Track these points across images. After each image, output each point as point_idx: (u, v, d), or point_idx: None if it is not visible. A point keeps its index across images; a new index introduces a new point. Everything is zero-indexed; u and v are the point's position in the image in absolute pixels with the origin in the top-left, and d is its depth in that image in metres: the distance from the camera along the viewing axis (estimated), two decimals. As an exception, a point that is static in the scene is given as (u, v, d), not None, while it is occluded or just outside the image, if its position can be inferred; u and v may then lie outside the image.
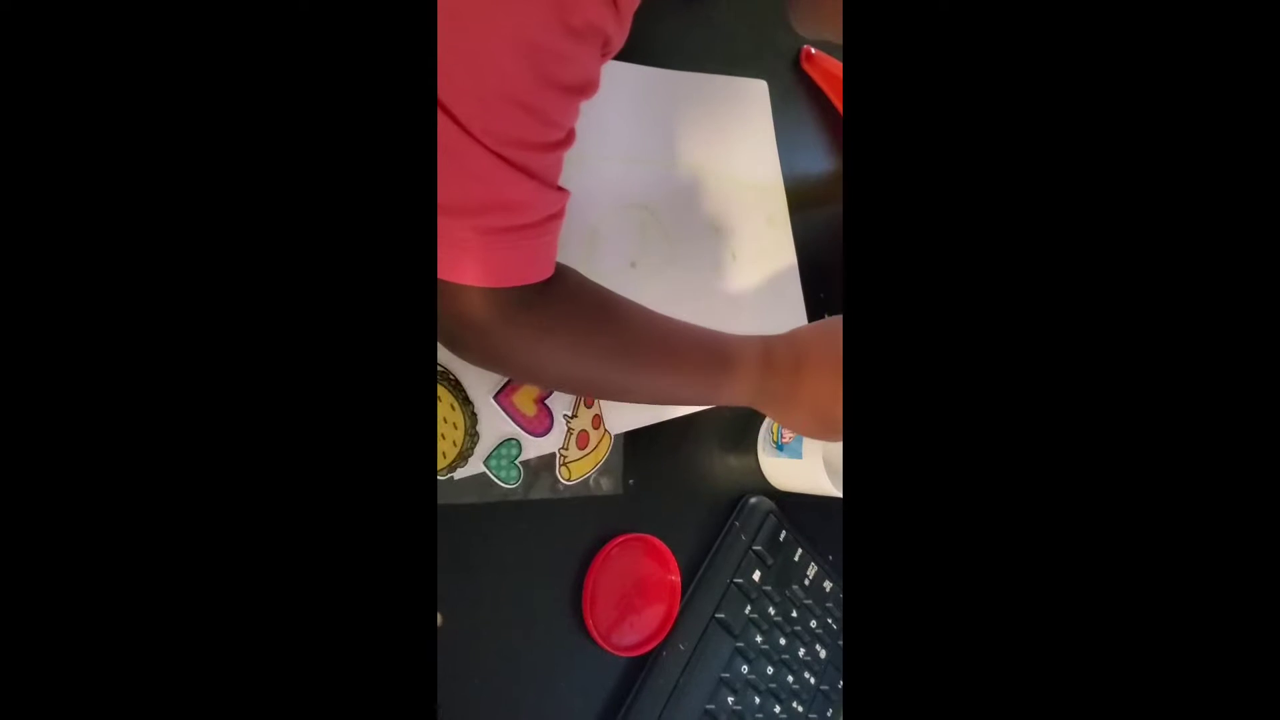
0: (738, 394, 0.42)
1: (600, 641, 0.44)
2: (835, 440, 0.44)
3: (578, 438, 0.45)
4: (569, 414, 0.45)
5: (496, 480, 0.42)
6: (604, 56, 0.35)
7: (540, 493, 0.44)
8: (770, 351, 0.42)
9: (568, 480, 0.45)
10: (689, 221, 0.54)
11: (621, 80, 0.51)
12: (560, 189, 0.35)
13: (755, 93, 0.60)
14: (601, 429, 0.46)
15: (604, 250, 0.48)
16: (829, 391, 0.40)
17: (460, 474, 0.41)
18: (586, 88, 0.34)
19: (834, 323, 0.44)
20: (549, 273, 0.36)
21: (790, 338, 0.43)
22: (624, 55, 0.51)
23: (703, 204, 0.55)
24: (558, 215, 0.35)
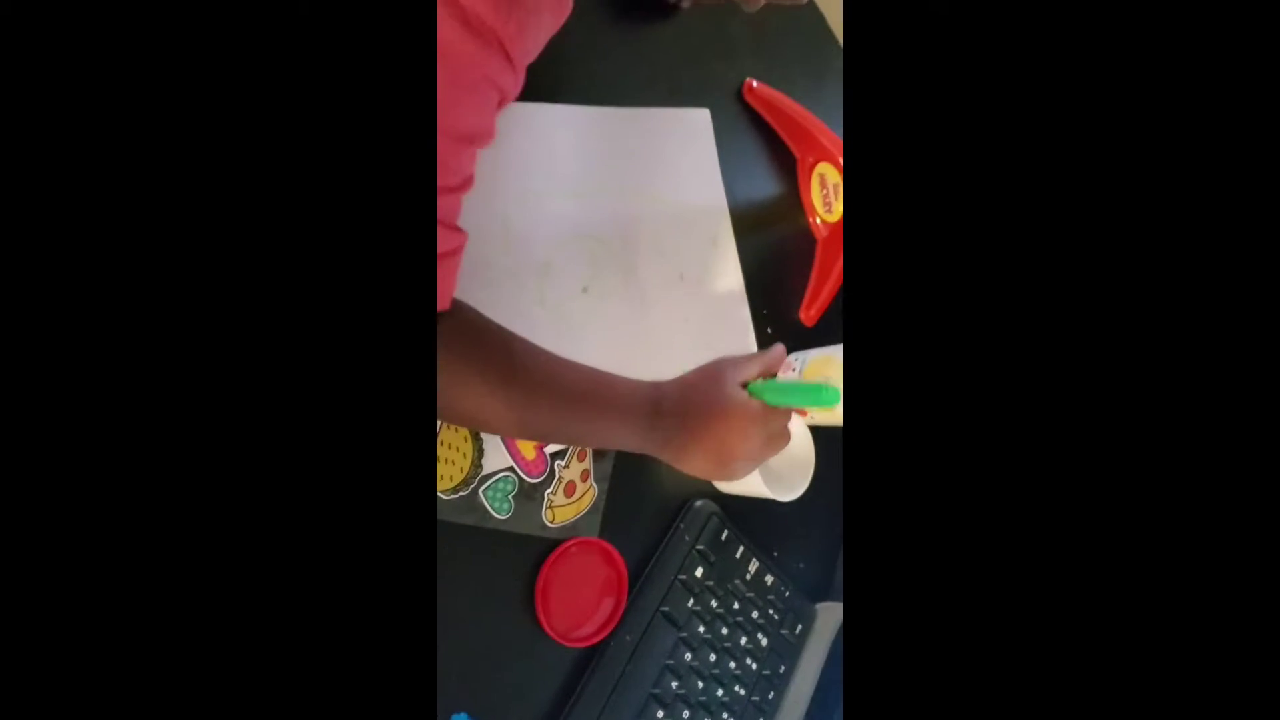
0: (627, 438, 0.44)
1: (552, 634, 0.48)
2: (723, 480, 0.46)
3: (565, 486, 0.50)
4: (562, 463, 0.50)
5: (490, 509, 0.47)
6: (500, 105, 0.38)
7: (523, 528, 0.48)
8: (660, 398, 0.44)
9: (551, 522, 0.49)
10: (638, 246, 0.58)
11: (568, 121, 0.55)
12: (457, 229, 0.38)
13: (698, 121, 0.64)
14: (589, 482, 0.51)
15: (556, 279, 0.53)
16: (719, 430, 0.43)
17: (459, 496, 0.46)
18: (480, 137, 0.37)
19: (718, 367, 0.46)
20: (442, 307, 0.38)
21: (679, 384, 0.45)
22: (571, 96, 0.56)
23: (651, 229, 0.59)
24: (451, 253, 0.37)
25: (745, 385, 0.46)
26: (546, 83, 0.54)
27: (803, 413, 0.62)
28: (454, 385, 0.39)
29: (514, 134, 0.51)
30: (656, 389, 0.45)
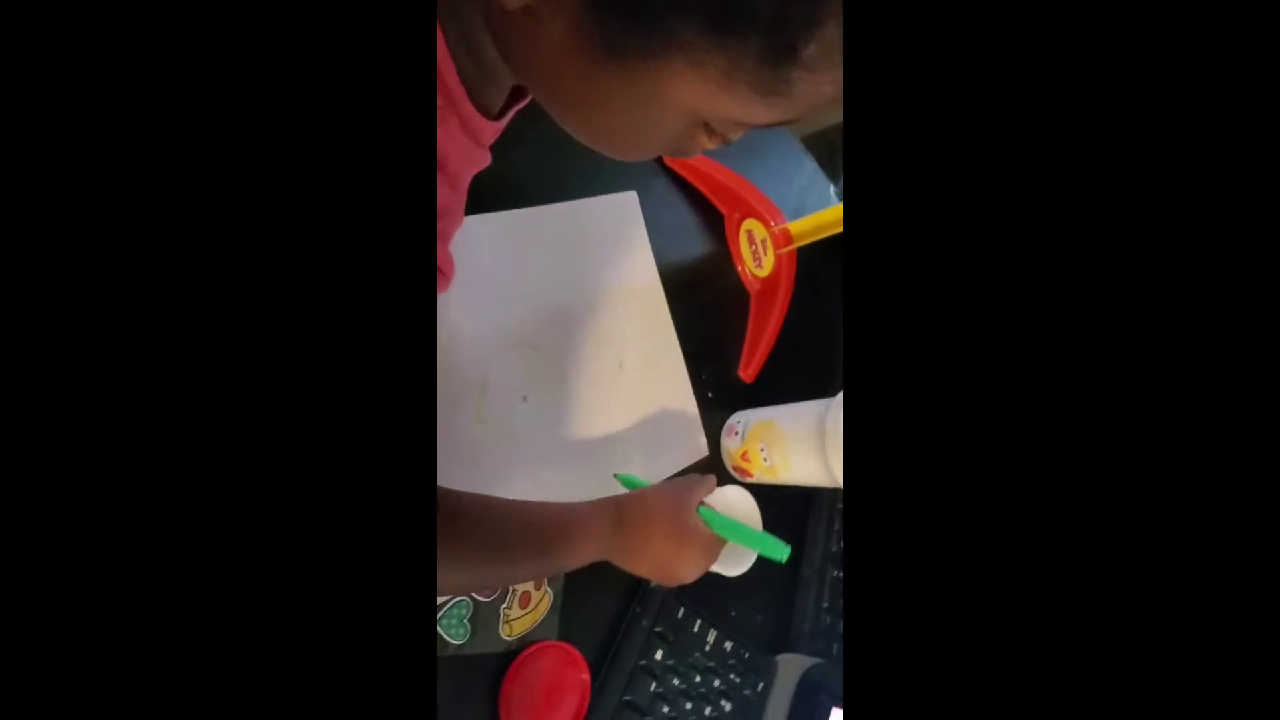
0: (593, 553, 0.47)
1: (519, 746, 0.49)
2: (672, 585, 0.51)
3: (520, 598, 0.50)
4: None
5: (446, 638, 0.47)
6: (442, 227, 0.38)
7: (482, 648, 0.49)
8: (623, 513, 0.48)
9: (508, 636, 0.50)
10: (574, 344, 0.58)
11: (493, 228, 0.55)
12: None
13: (626, 204, 0.64)
14: (543, 588, 0.52)
15: (495, 394, 0.52)
16: (671, 549, 0.48)
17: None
18: None
19: (679, 486, 0.51)
20: None
21: (640, 498, 0.49)
22: (494, 203, 0.55)
23: (586, 324, 0.59)
24: None
25: (699, 508, 0.51)
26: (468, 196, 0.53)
27: (747, 473, 0.64)
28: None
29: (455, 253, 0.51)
30: (617, 505, 0.48)
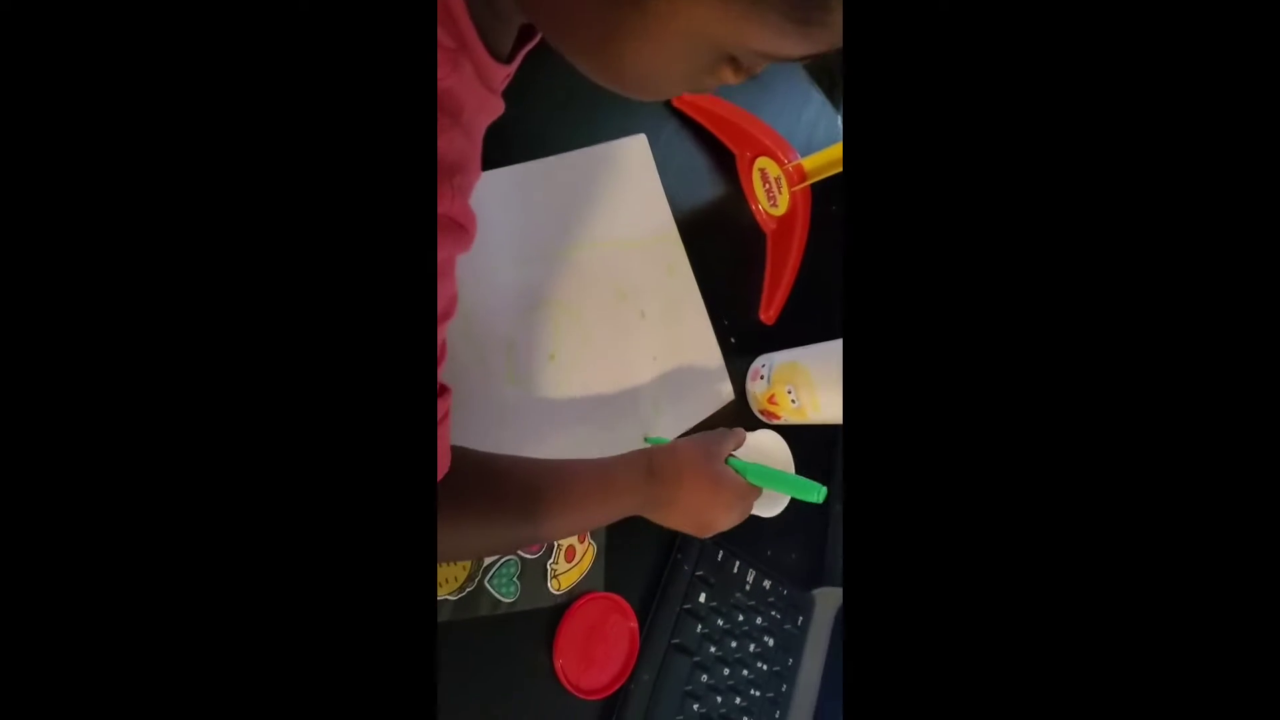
0: (627, 506, 0.47)
1: (578, 693, 0.51)
2: (708, 535, 0.51)
3: (565, 552, 0.51)
4: None
5: (498, 596, 0.48)
6: (460, 180, 0.37)
7: (534, 603, 0.50)
8: (654, 464, 0.48)
9: (557, 591, 0.51)
10: (595, 297, 0.57)
11: (501, 184, 0.53)
12: (444, 389, 0.37)
13: (636, 149, 0.62)
14: (587, 542, 0.52)
15: (522, 354, 0.52)
16: (705, 499, 0.47)
17: (466, 594, 0.47)
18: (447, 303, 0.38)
19: (708, 438, 0.50)
20: (442, 473, 0.38)
21: (671, 450, 0.49)
22: (504, 158, 0.53)
23: (605, 275, 0.58)
24: (443, 419, 0.37)
25: (727, 459, 0.50)
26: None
27: (775, 416, 0.64)
28: (471, 530, 0.41)
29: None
30: (648, 457, 0.48)
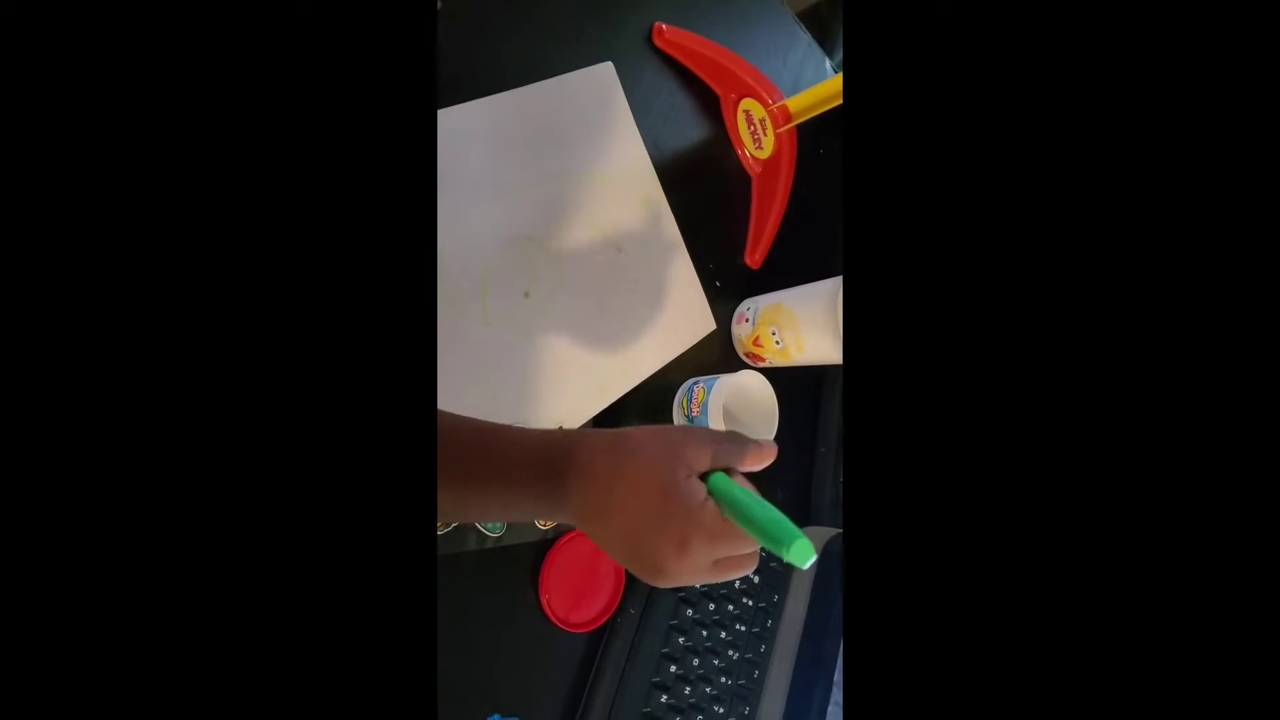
0: (531, 508, 0.35)
1: (563, 626, 0.52)
2: (653, 581, 0.34)
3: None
4: None
5: (485, 531, 0.49)
6: None
7: (519, 538, 0.51)
8: (573, 452, 0.34)
9: (544, 526, 0.51)
10: (570, 231, 0.57)
11: (473, 117, 0.53)
12: None
13: (603, 77, 0.61)
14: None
15: (496, 293, 0.52)
16: (647, 518, 0.32)
17: (452, 528, 0.47)
18: None
19: (683, 432, 0.35)
20: None
21: (612, 440, 0.34)
22: (472, 91, 0.53)
23: (580, 209, 0.58)
24: None
25: (706, 475, 0.34)
26: (443, 85, 0.51)
27: (759, 359, 0.64)
28: None
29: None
30: (569, 440, 0.34)
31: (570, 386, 0.55)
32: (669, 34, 0.64)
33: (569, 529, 0.53)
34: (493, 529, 0.49)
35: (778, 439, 0.59)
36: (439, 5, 0.51)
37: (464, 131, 0.52)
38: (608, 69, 0.61)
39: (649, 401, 0.60)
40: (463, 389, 0.50)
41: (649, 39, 0.65)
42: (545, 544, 0.52)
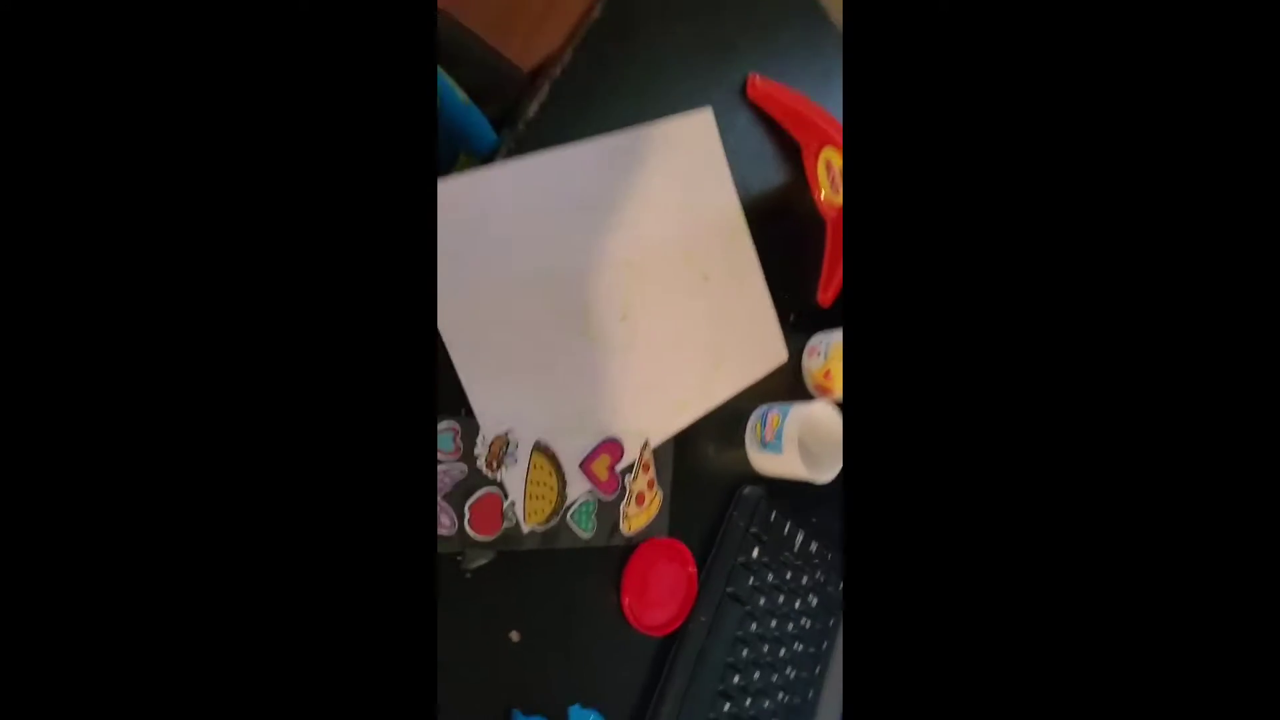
0: None
1: (640, 628, 0.55)
2: None
3: (636, 497, 0.55)
4: (631, 478, 0.55)
5: (577, 530, 0.53)
6: None
7: (606, 541, 0.55)
8: None
9: (628, 532, 0.55)
10: (664, 258, 0.61)
11: (589, 154, 0.58)
12: None
13: (703, 123, 0.66)
14: (655, 489, 0.57)
15: (597, 313, 0.57)
16: None
17: (551, 525, 0.52)
18: None
19: None
20: None
21: None
22: (584, 131, 0.58)
23: (675, 240, 0.62)
24: None
25: None
26: (559, 127, 0.56)
27: (829, 391, 0.68)
28: None
29: (537, 183, 0.54)
30: None
31: (654, 403, 0.59)
32: (761, 85, 0.69)
33: (646, 537, 0.56)
34: (585, 528, 0.53)
35: (842, 470, 0.62)
36: (559, 71, 0.56)
37: (579, 168, 0.57)
38: (707, 116, 0.66)
39: (723, 423, 0.64)
40: (561, 394, 0.54)
41: (741, 89, 0.70)
42: (628, 549, 0.56)
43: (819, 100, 0.73)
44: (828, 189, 0.74)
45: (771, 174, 0.72)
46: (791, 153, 0.73)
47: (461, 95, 0.60)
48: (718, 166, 0.67)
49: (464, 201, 0.51)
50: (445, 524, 0.47)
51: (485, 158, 0.55)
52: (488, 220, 0.52)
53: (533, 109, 0.55)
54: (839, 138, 0.72)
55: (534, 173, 0.54)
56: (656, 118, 0.63)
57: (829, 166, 0.73)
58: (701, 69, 0.67)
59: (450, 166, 0.73)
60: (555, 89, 0.56)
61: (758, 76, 0.70)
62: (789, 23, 0.74)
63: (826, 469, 0.63)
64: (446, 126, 0.73)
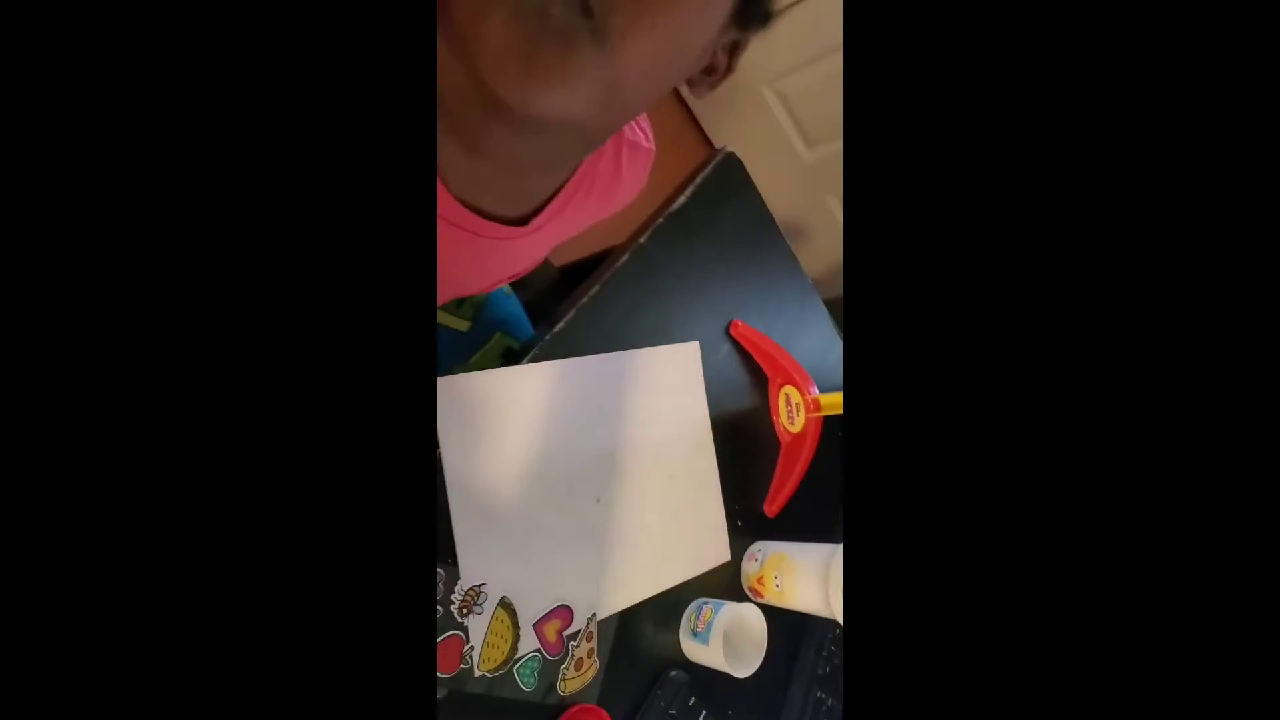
0: None
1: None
2: None
3: (576, 662, 0.64)
4: (575, 644, 0.63)
5: (520, 683, 0.60)
6: None
7: (544, 698, 0.62)
8: None
9: (563, 693, 0.63)
10: (638, 458, 0.74)
11: (590, 370, 0.72)
12: None
13: (690, 352, 0.81)
14: (593, 657, 0.65)
15: (577, 494, 0.68)
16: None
17: (500, 673, 0.59)
18: None
19: None
20: None
21: None
22: (596, 347, 0.72)
23: (650, 443, 0.75)
24: None
25: None
26: (577, 340, 0.71)
27: (760, 594, 0.78)
28: None
29: (552, 384, 0.68)
30: None
31: (608, 580, 0.69)
32: (742, 329, 0.85)
33: (575, 702, 0.64)
34: (528, 684, 0.61)
35: (761, 667, 0.71)
36: (585, 299, 0.72)
37: (586, 376, 0.70)
38: (694, 348, 0.81)
39: (663, 608, 0.73)
40: (533, 559, 0.64)
41: (727, 329, 0.86)
42: (559, 709, 0.63)
43: (786, 344, 0.89)
44: (784, 418, 0.88)
45: (740, 399, 0.86)
46: (760, 384, 0.88)
47: (507, 286, 0.74)
48: (696, 388, 0.81)
49: (492, 392, 0.64)
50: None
51: (520, 348, 0.69)
52: (509, 406, 0.65)
53: (559, 325, 0.70)
54: (800, 379, 0.87)
55: (551, 376, 0.68)
56: (656, 344, 0.78)
57: (788, 399, 0.88)
58: (697, 309, 0.83)
59: (485, 339, 0.87)
60: (579, 312, 0.71)
61: (740, 321, 0.86)
62: (775, 281, 0.91)
63: (746, 665, 0.71)
64: (493, 312, 0.88)
